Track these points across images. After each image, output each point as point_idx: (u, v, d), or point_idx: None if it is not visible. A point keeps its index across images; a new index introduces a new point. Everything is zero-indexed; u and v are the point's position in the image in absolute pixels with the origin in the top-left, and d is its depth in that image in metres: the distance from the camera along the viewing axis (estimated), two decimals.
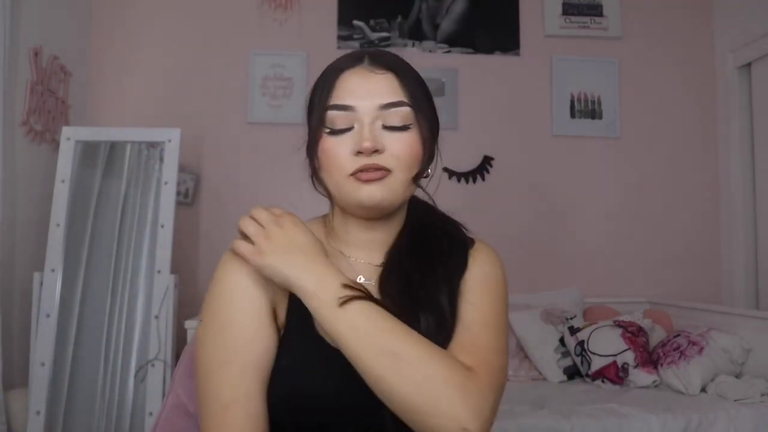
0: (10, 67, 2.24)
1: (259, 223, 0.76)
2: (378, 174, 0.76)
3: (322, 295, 0.71)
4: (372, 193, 0.76)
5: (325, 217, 0.91)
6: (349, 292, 0.71)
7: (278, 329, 0.79)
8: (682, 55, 3.22)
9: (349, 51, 0.86)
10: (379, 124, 0.78)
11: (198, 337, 0.78)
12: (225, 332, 0.76)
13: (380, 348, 0.69)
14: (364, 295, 0.73)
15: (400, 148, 0.77)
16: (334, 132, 0.78)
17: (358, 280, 0.82)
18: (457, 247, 0.87)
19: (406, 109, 0.78)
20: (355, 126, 0.77)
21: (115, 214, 2.53)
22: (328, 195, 0.83)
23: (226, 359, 0.75)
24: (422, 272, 0.82)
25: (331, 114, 0.78)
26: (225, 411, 0.73)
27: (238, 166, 2.97)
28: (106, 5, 2.97)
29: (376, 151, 0.76)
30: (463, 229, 0.90)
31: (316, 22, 3.04)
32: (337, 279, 0.73)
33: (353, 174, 0.76)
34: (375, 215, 0.82)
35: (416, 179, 0.80)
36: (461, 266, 0.85)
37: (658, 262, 3.12)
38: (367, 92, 0.78)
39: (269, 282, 0.77)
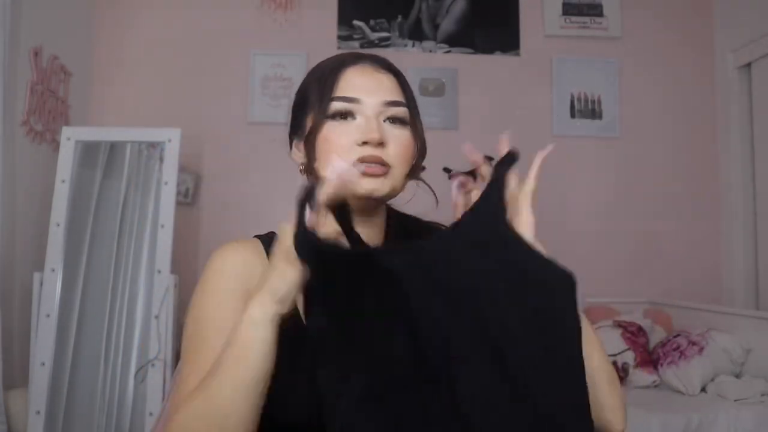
0: (10, 67, 2.23)
1: None
2: (380, 170, 0.78)
3: None
4: (373, 185, 0.78)
5: None
6: None
7: None
8: (682, 55, 3.22)
9: (344, 51, 0.87)
10: (382, 119, 0.80)
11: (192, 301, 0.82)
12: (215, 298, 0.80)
13: None
14: None
15: (400, 146, 0.81)
16: (339, 119, 0.79)
17: None
18: None
19: (405, 109, 0.82)
20: (359, 118, 0.80)
21: (115, 214, 2.53)
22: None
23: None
24: None
25: (336, 105, 0.79)
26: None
27: (238, 166, 2.96)
28: (106, 5, 2.97)
29: (380, 144, 0.78)
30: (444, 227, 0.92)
31: (316, 22, 3.04)
32: None
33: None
34: (367, 206, 0.82)
35: (411, 174, 0.84)
36: None
37: (658, 262, 3.12)
38: (373, 88, 0.81)
39: (250, 274, 0.79)
